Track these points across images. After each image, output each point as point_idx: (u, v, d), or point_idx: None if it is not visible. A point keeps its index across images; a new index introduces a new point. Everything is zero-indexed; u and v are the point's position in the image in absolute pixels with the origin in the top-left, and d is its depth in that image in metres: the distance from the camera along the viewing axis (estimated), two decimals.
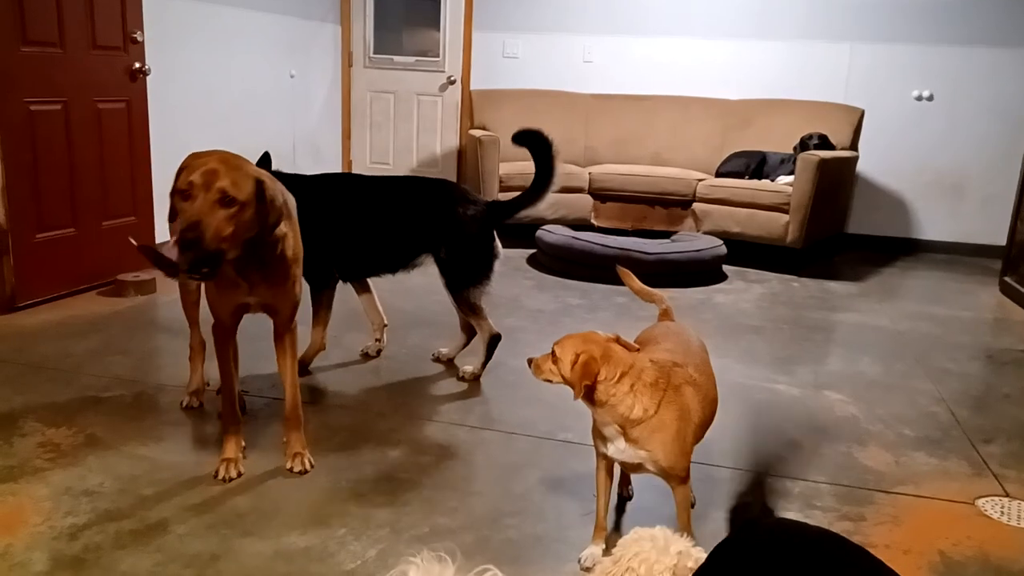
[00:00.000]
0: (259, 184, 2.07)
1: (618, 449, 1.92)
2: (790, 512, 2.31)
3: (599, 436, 1.96)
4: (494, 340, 3.25)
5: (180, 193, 2.01)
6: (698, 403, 1.93)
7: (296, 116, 6.15)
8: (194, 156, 2.74)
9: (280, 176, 2.75)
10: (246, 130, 5.39)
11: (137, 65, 4.29)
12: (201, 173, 1.99)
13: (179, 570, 1.89)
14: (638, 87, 6.37)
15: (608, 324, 4.04)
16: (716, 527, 2.22)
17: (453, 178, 6.84)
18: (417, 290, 4.60)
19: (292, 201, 2.32)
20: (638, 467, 1.94)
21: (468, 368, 3.26)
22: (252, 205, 2.05)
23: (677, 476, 1.91)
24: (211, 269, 2.04)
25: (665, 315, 2.39)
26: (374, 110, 6.92)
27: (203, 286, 2.31)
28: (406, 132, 6.89)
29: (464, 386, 3.16)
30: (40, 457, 2.41)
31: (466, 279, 3.17)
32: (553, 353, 1.90)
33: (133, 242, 3.54)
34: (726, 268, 5.19)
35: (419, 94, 6.82)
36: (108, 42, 4.11)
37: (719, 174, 5.70)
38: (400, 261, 3.25)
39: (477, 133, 5.74)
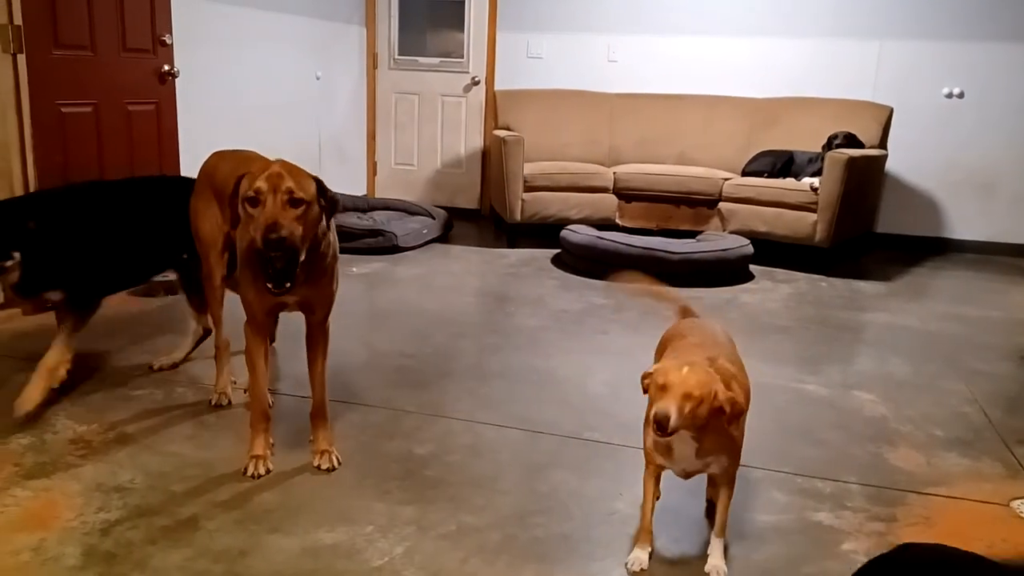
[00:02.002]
0: (319, 183, 2.14)
1: (686, 458, 1.89)
2: (821, 513, 2.28)
3: (663, 450, 1.91)
4: (206, 335, 3.19)
5: (248, 200, 2.06)
6: (743, 397, 1.91)
7: (321, 117, 6.20)
8: (218, 155, 2.79)
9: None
10: (272, 132, 5.43)
11: (166, 67, 4.34)
12: (266, 178, 2.05)
13: (209, 565, 1.91)
14: (663, 86, 6.34)
15: (633, 324, 4.03)
16: (748, 528, 2.20)
17: (478, 179, 6.85)
18: (441, 289, 4.62)
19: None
20: (697, 472, 1.93)
21: (164, 359, 3.18)
22: (316, 203, 2.12)
23: (733, 476, 1.91)
24: (292, 282, 2.13)
25: (685, 312, 2.37)
26: (399, 111, 6.95)
27: (240, 286, 2.33)
28: (430, 133, 6.91)
29: (490, 385, 3.16)
30: (72, 453, 2.44)
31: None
32: (682, 394, 1.74)
33: None
34: (753, 268, 5.15)
35: (443, 95, 6.83)
36: (138, 45, 4.17)
37: (745, 173, 5.66)
38: (148, 271, 3.17)
39: (501, 133, 5.74)
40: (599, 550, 2.06)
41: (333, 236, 2.32)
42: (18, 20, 3.52)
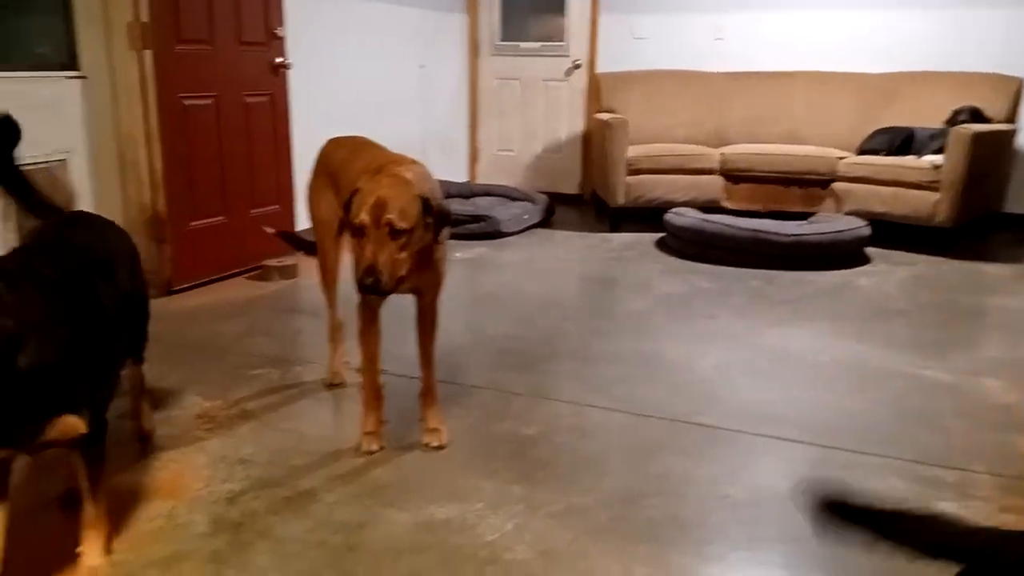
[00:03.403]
0: (425, 202, 2.14)
1: None
2: (945, 502, 2.17)
3: None
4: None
5: (353, 229, 2.12)
6: None
7: (425, 106, 6.29)
8: (334, 143, 2.86)
9: None
10: (378, 121, 5.53)
11: (279, 59, 4.49)
12: (370, 209, 2.07)
13: (329, 536, 1.98)
14: (771, 64, 6.12)
15: (741, 308, 3.93)
16: None
17: (578, 164, 6.81)
18: (544, 273, 4.62)
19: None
20: None
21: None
22: (420, 225, 2.13)
23: None
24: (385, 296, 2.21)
25: None
26: (500, 98, 6.98)
27: (352, 267, 2.39)
28: (531, 118, 6.91)
29: (596, 368, 3.14)
30: (198, 428, 2.57)
31: None
32: None
33: (269, 230, 3.77)
34: (869, 250, 4.93)
35: (544, 80, 6.82)
36: (253, 38, 4.33)
37: (862, 151, 5.41)
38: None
39: (604, 116, 5.69)
40: (712, 534, 2.02)
41: (446, 234, 2.34)
42: (145, 17, 3.71)
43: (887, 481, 2.29)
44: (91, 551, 1.83)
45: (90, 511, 1.83)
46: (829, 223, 4.89)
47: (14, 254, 1.80)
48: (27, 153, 3.42)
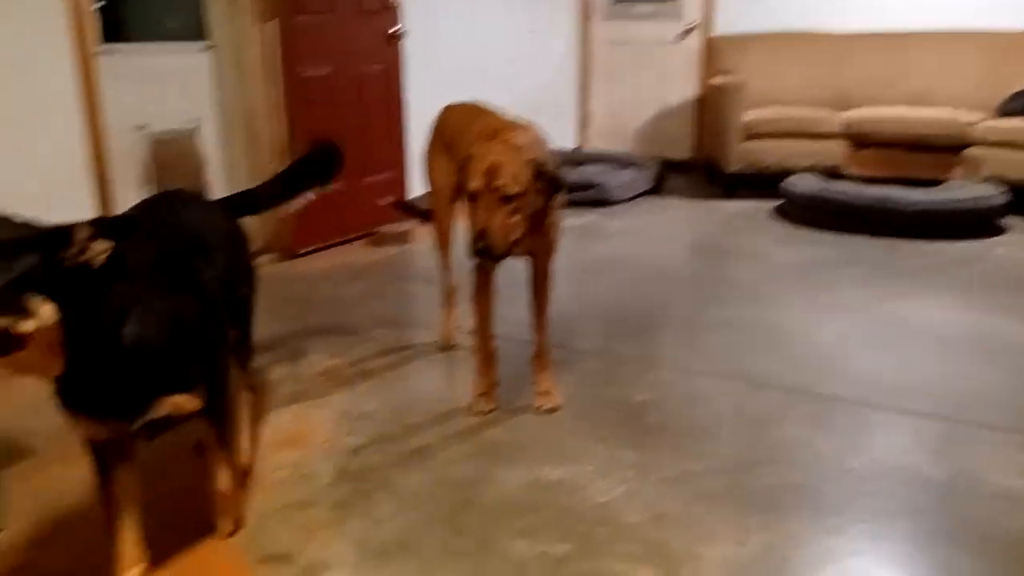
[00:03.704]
0: (536, 167, 2.15)
1: None
2: None
3: None
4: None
5: (469, 195, 2.15)
6: None
7: (535, 71, 6.26)
8: (449, 109, 2.90)
9: None
10: (487, 87, 5.54)
11: (394, 28, 4.56)
12: (482, 175, 2.10)
13: (447, 491, 2.04)
14: (895, 22, 5.78)
15: (863, 279, 3.77)
16: (993, 491, 2.01)
17: (690, 129, 6.65)
18: (655, 240, 4.56)
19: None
20: None
21: None
22: (532, 189, 2.14)
23: None
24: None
25: None
26: (611, 62, 6.87)
27: (468, 234, 2.43)
28: (643, 83, 6.78)
29: (708, 337, 3.09)
30: (322, 384, 2.69)
31: None
32: None
33: (388, 200, 3.87)
34: (1007, 220, 4.62)
35: (657, 43, 6.67)
36: (370, 6, 4.41)
37: (1003, 114, 5.06)
38: None
39: (719, 80, 5.52)
40: (833, 505, 1.97)
41: (560, 199, 2.35)
42: None
43: (1015, 458, 2.17)
44: (224, 516, 1.88)
45: (223, 475, 1.85)
46: (962, 190, 4.61)
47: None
48: (163, 122, 3.65)
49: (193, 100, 3.80)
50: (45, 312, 1.33)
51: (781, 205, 5.03)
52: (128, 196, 3.48)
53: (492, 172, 2.10)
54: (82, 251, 1.36)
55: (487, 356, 2.53)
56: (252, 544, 1.83)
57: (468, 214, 2.22)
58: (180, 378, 1.63)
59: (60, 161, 3.09)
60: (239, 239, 2.11)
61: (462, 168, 2.22)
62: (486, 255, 2.13)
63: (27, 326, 1.31)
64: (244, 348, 2.19)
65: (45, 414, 1.71)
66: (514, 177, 2.10)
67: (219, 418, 1.80)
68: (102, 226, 1.39)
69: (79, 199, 3.13)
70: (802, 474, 2.11)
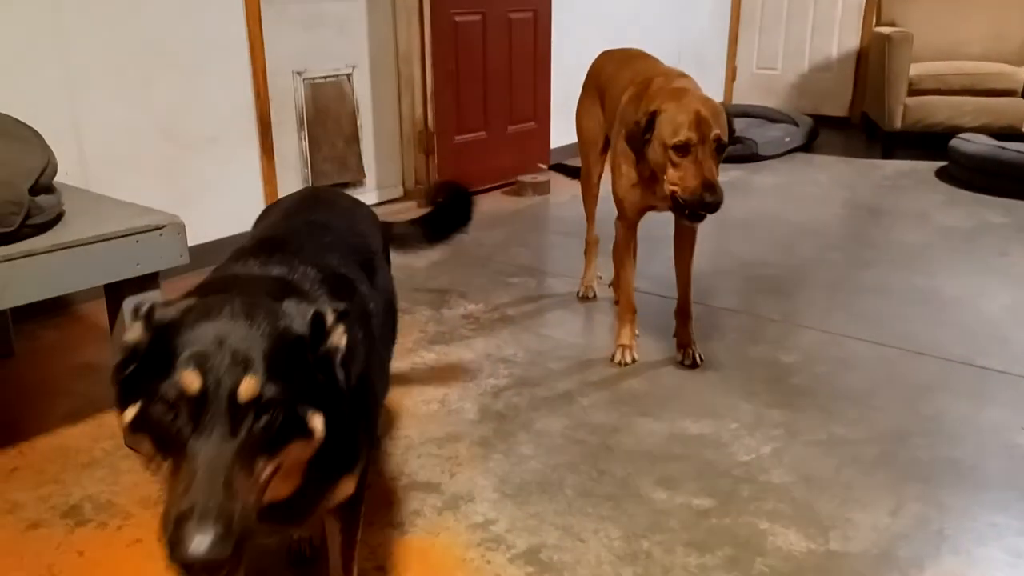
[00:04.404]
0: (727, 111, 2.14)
1: None
2: None
3: None
4: None
5: (675, 148, 2.08)
6: None
7: (682, 21, 6.06)
8: (605, 55, 2.85)
9: None
10: (636, 37, 5.43)
11: None
12: (695, 126, 2.05)
13: (586, 435, 2.06)
14: None
15: None
16: None
17: (849, 84, 6.27)
18: (806, 199, 4.37)
19: None
20: None
21: None
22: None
23: None
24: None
25: None
26: (764, 11, 6.55)
27: (614, 184, 2.41)
28: (798, 33, 6.43)
29: (861, 300, 2.95)
30: (464, 327, 2.76)
31: None
32: None
33: (542, 167, 3.87)
34: None
35: None
36: None
37: None
38: None
39: (885, 30, 5.16)
40: (994, 481, 1.85)
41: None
42: None
43: None
44: None
45: None
46: None
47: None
48: (320, 67, 3.78)
49: (349, 45, 3.91)
50: (317, 425, 0.94)
51: (946, 167, 4.69)
52: (286, 141, 3.65)
53: (705, 123, 2.06)
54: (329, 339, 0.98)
55: (629, 308, 2.52)
56: (401, 472, 1.92)
57: (665, 171, 2.11)
58: (353, 455, 1.15)
59: (229, 104, 3.25)
60: (391, 286, 1.62)
61: (648, 124, 2.13)
62: (711, 208, 2.07)
63: (308, 451, 0.96)
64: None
65: None
66: (723, 127, 2.09)
67: (358, 511, 1.31)
68: (334, 298, 1.07)
69: (246, 140, 3.30)
70: (961, 448, 2.00)
